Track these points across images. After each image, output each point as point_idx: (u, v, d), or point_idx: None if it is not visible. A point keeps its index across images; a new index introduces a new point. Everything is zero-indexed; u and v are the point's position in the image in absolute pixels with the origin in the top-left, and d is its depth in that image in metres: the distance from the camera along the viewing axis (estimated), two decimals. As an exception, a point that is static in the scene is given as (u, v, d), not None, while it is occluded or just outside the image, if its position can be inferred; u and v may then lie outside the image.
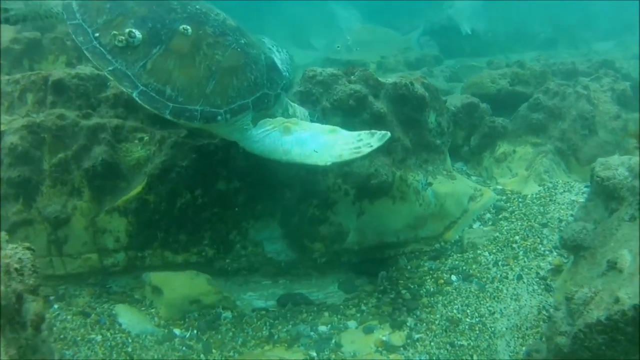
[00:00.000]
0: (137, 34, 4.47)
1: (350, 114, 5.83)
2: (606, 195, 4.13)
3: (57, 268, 5.37)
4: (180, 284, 5.27)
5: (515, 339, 4.49)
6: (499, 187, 7.11)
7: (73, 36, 4.66)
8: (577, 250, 4.12)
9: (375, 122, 5.85)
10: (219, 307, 5.31)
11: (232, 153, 5.44)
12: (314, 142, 4.73)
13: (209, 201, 5.53)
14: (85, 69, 5.84)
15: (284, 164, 5.41)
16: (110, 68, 4.48)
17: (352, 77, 6.05)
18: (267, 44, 5.58)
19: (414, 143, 6.26)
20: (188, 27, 4.58)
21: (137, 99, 4.51)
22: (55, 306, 5.10)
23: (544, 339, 3.77)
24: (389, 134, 4.68)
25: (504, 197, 6.77)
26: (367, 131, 4.73)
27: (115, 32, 4.48)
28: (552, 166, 7.05)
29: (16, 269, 2.35)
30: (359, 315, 5.27)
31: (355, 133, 4.76)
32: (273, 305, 5.51)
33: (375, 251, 5.99)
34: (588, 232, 4.10)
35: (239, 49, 4.74)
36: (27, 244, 2.87)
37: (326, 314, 5.30)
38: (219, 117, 4.61)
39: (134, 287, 5.54)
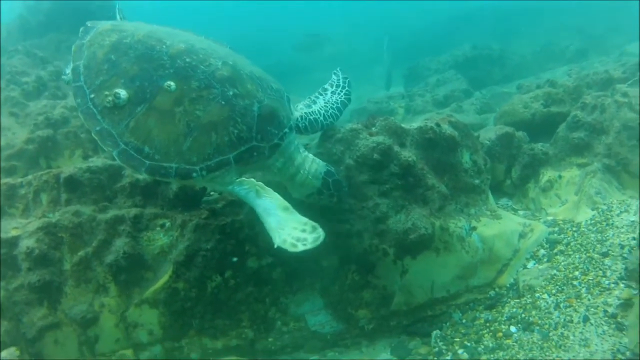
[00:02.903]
0: (123, 94, 4.54)
1: (376, 168, 5.49)
2: None
3: (91, 370, 5.16)
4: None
5: (591, 393, 4.00)
6: (550, 218, 6.62)
7: (73, 97, 4.81)
8: None
9: (404, 172, 5.52)
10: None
11: (259, 228, 5.10)
12: (274, 215, 4.61)
13: (242, 281, 5.31)
14: (97, 161, 5.75)
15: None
16: (97, 128, 4.57)
17: (374, 128, 5.72)
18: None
19: (450, 187, 5.89)
20: (172, 83, 4.57)
21: (116, 157, 4.53)
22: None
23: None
24: (322, 236, 4.39)
25: (557, 229, 6.27)
26: (312, 223, 4.48)
27: (106, 92, 4.58)
28: (603, 185, 6.54)
29: None
30: (415, 384, 4.85)
31: (303, 220, 4.52)
32: (324, 381, 5.16)
33: (426, 309, 5.62)
34: None
35: (223, 102, 4.63)
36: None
37: (381, 386, 4.90)
38: (194, 174, 4.54)
39: (177, 380, 5.28)
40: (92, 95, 4.65)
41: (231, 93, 4.67)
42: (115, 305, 5.19)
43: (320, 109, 5.61)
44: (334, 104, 5.71)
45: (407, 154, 5.56)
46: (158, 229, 5.40)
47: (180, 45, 4.81)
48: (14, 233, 5.29)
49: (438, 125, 5.86)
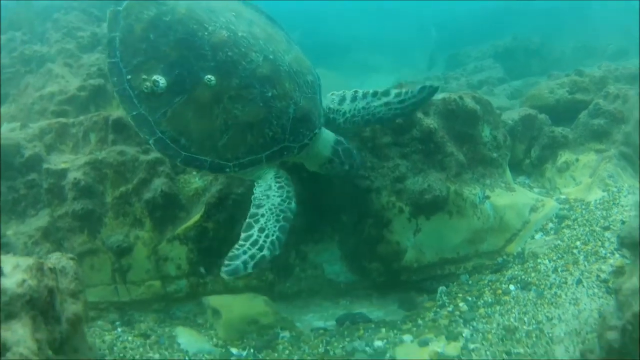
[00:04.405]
0: (162, 82, 4.58)
1: (399, 132, 5.85)
2: None
3: (121, 295, 5.64)
4: (237, 306, 5.39)
5: (575, 344, 4.29)
6: (563, 196, 6.89)
7: (108, 74, 4.84)
8: (635, 247, 3.94)
9: (425, 138, 5.86)
10: (277, 327, 5.35)
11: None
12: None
13: (266, 226, 5.64)
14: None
15: (338, 187, 5.53)
16: (134, 113, 4.64)
17: (400, 95, 6.07)
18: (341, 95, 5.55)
19: (468, 158, 6.19)
20: (212, 78, 4.63)
21: (152, 145, 4.68)
22: (119, 329, 5.30)
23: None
24: (266, 257, 4.53)
25: (567, 206, 6.55)
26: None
27: (144, 76, 4.61)
28: (617, 171, 6.77)
29: (50, 268, 2.53)
30: (415, 329, 5.20)
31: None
32: (332, 325, 5.53)
33: (435, 268, 5.90)
34: None
35: (261, 104, 4.74)
36: (70, 255, 3.06)
37: (383, 330, 5.26)
38: (227, 169, 4.75)
39: (197, 313, 5.71)
40: (129, 77, 4.66)
41: (270, 94, 4.77)
42: (148, 239, 5.61)
43: (349, 111, 5.47)
44: (367, 115, 5.47)
45: (429, 121, 5.90)
46: (194, 173, 5.84)
47: (223, 34, 4.78)
48: (63, 166, 5.75)
49: (461, 98, 6.17)
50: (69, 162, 5.80)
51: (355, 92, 5.54)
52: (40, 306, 2.38)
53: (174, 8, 4.83)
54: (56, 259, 2.94)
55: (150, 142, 4.65)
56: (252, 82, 4.74)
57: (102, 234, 5.62)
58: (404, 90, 5.53)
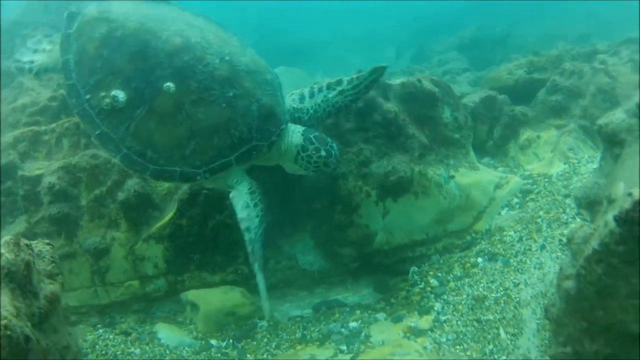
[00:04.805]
0: (121, 97, 4.63)
1: (361, 117, 6.00)
2: (609, 143, 4.01)
3: (101, 297, 5.71)
4: (215, 298, 5.50)
5: (541, 305, 4.46)
6: (527, 173, 7.08)
7: (67, 97, 4.89)
8: (592, 206, 4.07)
9: (387, 122, 6.01)
10: (255, 317, 5.49)
11: (256, 173, 5.49)
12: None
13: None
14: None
15: (307, 178, 5.64)
16: (97, 132, 4.68)
17: (360, 82, 6.23)
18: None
19: (430, 139, 6.36)
20: (171, 85, 4.63)
21: (119, 162, 4.71)
22: (100, 330, 5.39)
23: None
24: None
25: (531, 181, 6.74)
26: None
27: (103, 93, 4.64)
28: (577, 144, 6.99)
29: (26, 244, 2.67)
30: (388, 307, 5.38)
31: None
32: (309, 313, 5.67)
33: (406, 250, 6.03)
34: (600, 186, 3.99)
35: (223, 105, 4.74)
36: (46, 240, 3.18)
37: (358, 311, 5.43)
38: (198, 177, 4.74)
39: (177, 311, 5.80)
40: (88, 96, 4.69)
41: (231, 94, 4.76)
42: (124, 239, 5.69)
43: (311, 107, 5.49)
44: (328, 107, 5.51)
45: (390, 106, 6.06)
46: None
47: (176, 40, 4.79)
48: (37, 172, 5.83)
49: (419, 81, 6.36)
50: (44, 168, 5.88)
51: (312, 88, 5.57)
52: (17, 280, 2.50)
53: (124, 23, 4.89)
54: (34, 244, 3.07)
55: (117, 159, 4.70)
56: (212, 84, 4.74)
57: (79, 237, 5.69)
58: (355, 76, 5.54)
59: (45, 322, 2.69)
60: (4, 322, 2.21)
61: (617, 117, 3.93)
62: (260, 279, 4.88)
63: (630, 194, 2.64)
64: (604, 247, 2.80)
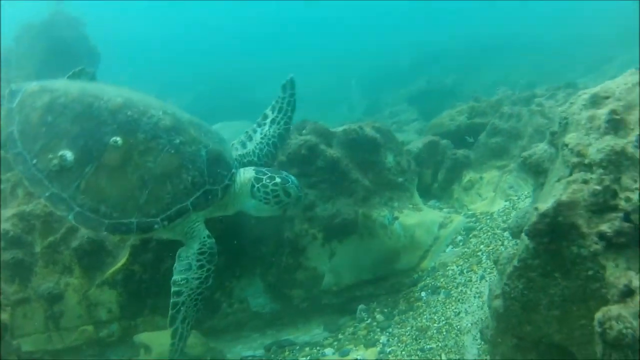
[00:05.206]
0: (69, 156, 4.62)
1: (305, 163, 6.26)
2: (534, 173, 4.12)
3: (55, 342, 5.77)
4: (167, 339, 5.57)
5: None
6: (470, 212, 7.39)
7: (14, 165, 4.93)
8: (521, 232, 4.25)
9: (330, 167, 6.27)
10: (207, 357, 5.59)
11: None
12: None
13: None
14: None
15: (255, 222, 5.83)
16: (47, 194, 4.65)
17: (304, 131, 6.57)
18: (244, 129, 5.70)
19: (374, 183, 6.61)
20: (118, 139, 4.65)
21: (72, 221, 4.65)
22: (53, 376, 5.45)
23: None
24: None
25: (474, 219, 7.06)
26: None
27: (50, 155, 4.66)
28: (517, 182, 7.32)
29: None
30: (336, 343, 5.57)
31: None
32: (261, 353, 5.80)
33: (355, 290, 6.21)
34: (528, 213, 4.21)
35: (172, 151, 4.74)
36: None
37: (307, 349, 5.60)
38: (156, 226, 4.65)
39: (131, 355, 5.82)
40: (35, 161, 4.68)
41: (178, 141, 4.77)
42: (78, 285, 5.78)
43: (255, 147, 5.59)
44: (270, 139, 5.60)
45: (332, 152, 6.34)
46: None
47: (118, 100, 4.83)
48: (-9, 220, 5.93)
49: (361, 127, 6.67)
50: (-3, 216, 5.99)
51: (247, 132, 5.73)
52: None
53: (66, 91, 4.95)
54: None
55: (70, 218, 4.62)
56: (158, 132, 4.76)
57: (33, 283, 5.77)
58: (273, 103, 5.73)
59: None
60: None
61: (539, 148, 4.13)
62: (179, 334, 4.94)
63: (536, 208, 2.90)
64: (522, 262, 3.04)
